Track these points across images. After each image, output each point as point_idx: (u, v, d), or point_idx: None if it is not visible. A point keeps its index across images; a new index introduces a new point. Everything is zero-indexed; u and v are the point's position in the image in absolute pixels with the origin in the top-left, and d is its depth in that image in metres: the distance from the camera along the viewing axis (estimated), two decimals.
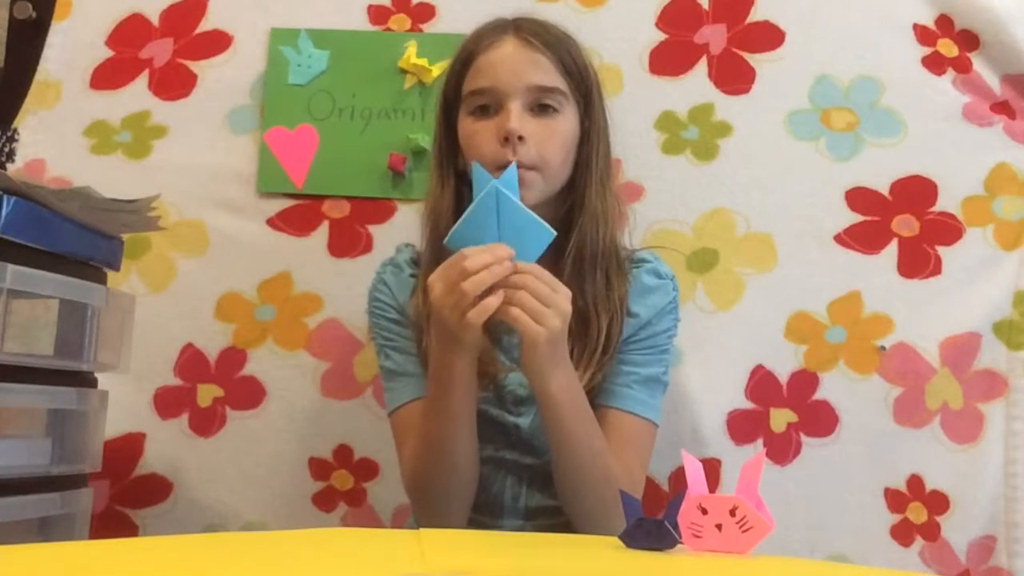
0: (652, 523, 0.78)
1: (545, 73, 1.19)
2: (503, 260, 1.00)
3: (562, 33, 1.23)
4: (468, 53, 1.22)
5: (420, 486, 1.17)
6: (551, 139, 1.18)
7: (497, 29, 1.22)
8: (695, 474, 0.79)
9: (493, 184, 1.01)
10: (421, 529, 0.86)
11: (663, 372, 1.23)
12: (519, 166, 1.15)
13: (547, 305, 1.02)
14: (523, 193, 1.16)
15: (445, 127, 1.25)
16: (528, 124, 1.17)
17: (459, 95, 1.22)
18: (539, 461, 1.20)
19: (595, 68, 1.27)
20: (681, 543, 0.78)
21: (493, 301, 1.00)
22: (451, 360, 1.08)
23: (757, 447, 1.43)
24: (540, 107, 1.19)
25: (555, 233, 1.03)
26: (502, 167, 1.14)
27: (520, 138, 1.16)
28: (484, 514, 1.21)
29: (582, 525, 1.15)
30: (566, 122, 1.20)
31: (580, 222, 1.20)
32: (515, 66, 1.18)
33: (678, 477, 1.42)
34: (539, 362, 1.06)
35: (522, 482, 1.21)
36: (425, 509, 1.18)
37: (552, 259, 1.21)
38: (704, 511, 0.78)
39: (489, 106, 1.19)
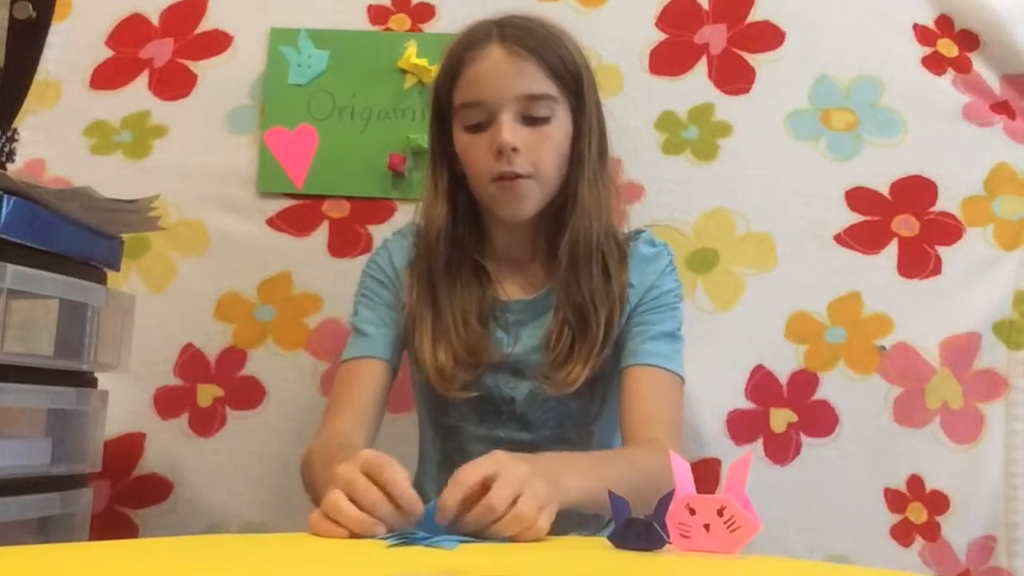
0: (641, 523, 0.79)
1: (533, 81, 1.18)
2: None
3: (547, 32, 1.21)
4: (455, 64, 1.21)
5: (306, 480, 1.13)
6: (544, 146, 1.18)
7: (482, 37, 1.20)
8: (683, 474, 0.80)
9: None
10: None
11: (677, 328, 1.24)
12: (516, 176, 1.16)
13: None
14: (520, 204, 1.19)
15: (439, 132, 1.25)
16: (520, 134, 1.17)
17: (451, 104, 1.22)
18: (533, 436, 1.21)
19: (586, 60, 1.24)
20: (669, 543, 0.78)
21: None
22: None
23: (757, 447, 1.43)
24: (531, 116, 1.18)
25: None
26: (498, 179, 1.17)
27: (514, 149, 1.16)
28: None
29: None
30: (558, 126, 1.20)
31: (573, 217, 1.21)
32: (503, 77, 1.17)
33: None
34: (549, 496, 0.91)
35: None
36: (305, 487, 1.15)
37: (547, 256, 1.23)
38: (692, 511, 0.78)
39: (481, 119, 1.19)
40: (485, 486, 0.84)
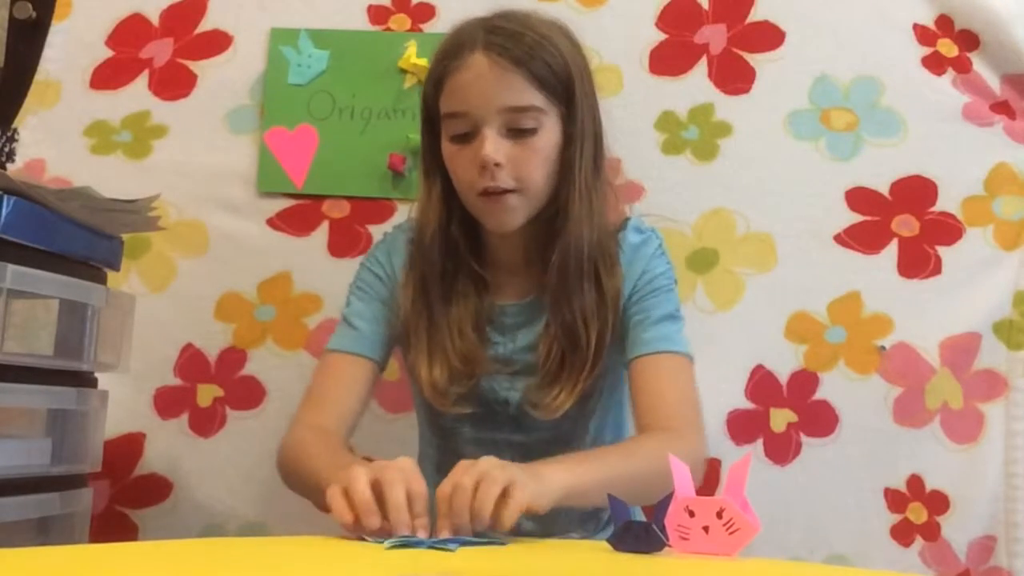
0: (640, 526, 0.79)
1: (518, 92, 1.14)
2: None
3: (536, 36, 1.16)
4: (440, 72, 1.18)
5: (284, 474, 1.17)
6: (530, 160, 1.15)
7: (467, 43, 1.16)
8: (682, 476, 0.80)
9: None
10: None
11: (675, 309, 1.23)
12: (501, 191, 1.15)
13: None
14: (507, 217, 1.17)
15: (429, 136, 1.23)
16: (504, 148, 1.14)
17: (438, 111, 1.19)
18: (529, 439, 1.21)
19: (582, 58, 1.22)
20: (668, 545, 0.78)
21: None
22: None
23: (757, 447, 1.43)
24: (516, 128, 1.15)
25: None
26: (482, 193, 1.16)
27: (497, 164, 1.14)
28: None
29: None
30: (545, 137, 1.16)
31: (563, 231, 1.18)
32: (486, 89, 1.14)
33: None
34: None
35: (513, 462, 1.21)
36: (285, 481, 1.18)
37: (538, 272, 1.22)
38: (691, 513, 0.78)
39: (466, 129, 1.16)
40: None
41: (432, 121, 1.22)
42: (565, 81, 1.17)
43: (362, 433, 1.45)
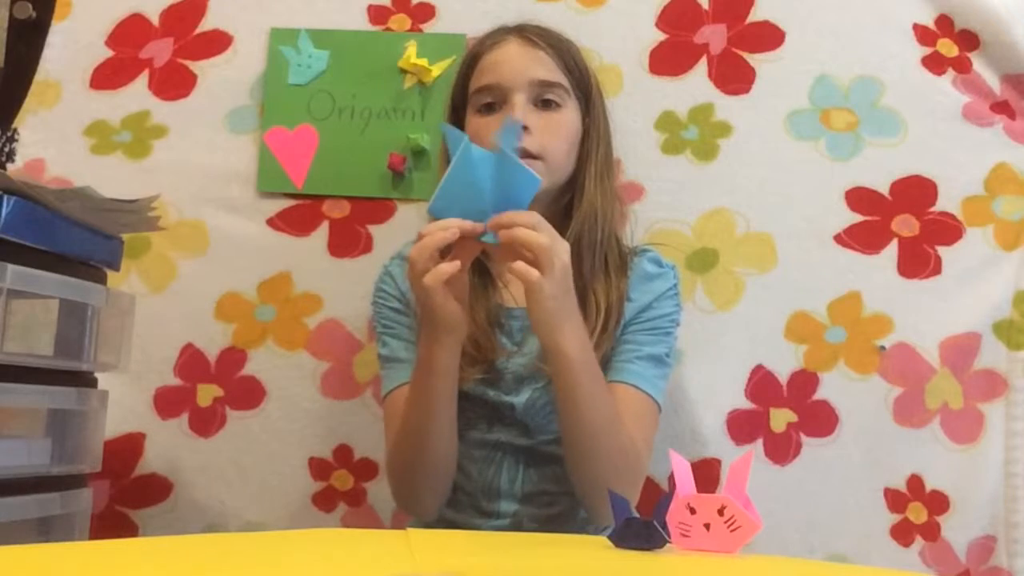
0: (641, 523, 0.79)
1: (547, 69, 1.24)
2: (448, 227, 1.01)
3: (563, 37, 1.29)
4: (473, 55, 1.28)
5: (395, 471, 1.21)
6: (555, 131, 1.23)
7: (500, 31, 1.28)
8: (683, 474, 0.80)
9: (465, 141, 1.00)
10: (410, 529, 0.86)
11: (666, 353, 1.24)
12: (526, 154, 1.19)
13: (545, 254, 1.02)
14: None
15: (454, 125, 1.27)
16: (532, 116, 1.22)
17: (466, 96, 1.27)
18: (533, 442, 1.22)
19: (594, 72, 1.31)
20: (670, 543, 0.78)
21: (446, 267, 1.01)
22: (429, 344, 1.10)
23: (757, 447, 1.43)
24: (543, 101, 1.24)
25: (540, 179, 1.02)
26: None
27: (524, 128, 1.19)
28: (480, 498, 1.22)
29: (590, 495, 1.16)
30: (568, 116, 1.25)
31: (578, 213, 1.23)
32: (518, 62, 1.24)
33: None
34: (546, 314, 1.06)
35: (518, 464, 1.22)
36: (399, 493, 1.23)
37: None
38: (692, 511, 0.78)
39: (494, 102, 1.24)
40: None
41: (457, 113, 1.29)
42: (586, 78, 1.28)
43: (362, 433, 1.47)
